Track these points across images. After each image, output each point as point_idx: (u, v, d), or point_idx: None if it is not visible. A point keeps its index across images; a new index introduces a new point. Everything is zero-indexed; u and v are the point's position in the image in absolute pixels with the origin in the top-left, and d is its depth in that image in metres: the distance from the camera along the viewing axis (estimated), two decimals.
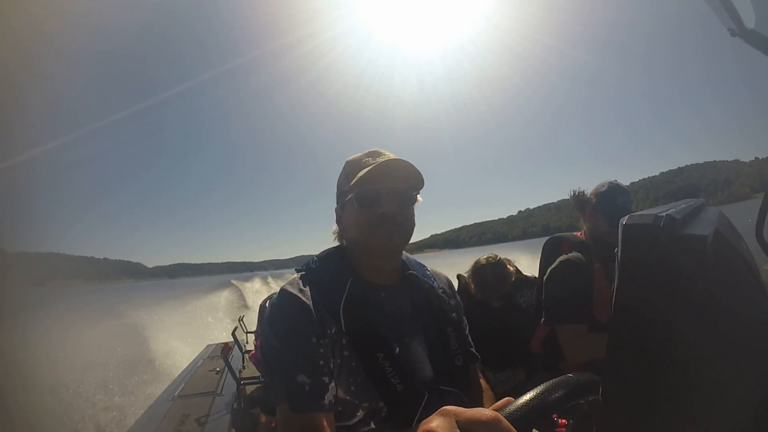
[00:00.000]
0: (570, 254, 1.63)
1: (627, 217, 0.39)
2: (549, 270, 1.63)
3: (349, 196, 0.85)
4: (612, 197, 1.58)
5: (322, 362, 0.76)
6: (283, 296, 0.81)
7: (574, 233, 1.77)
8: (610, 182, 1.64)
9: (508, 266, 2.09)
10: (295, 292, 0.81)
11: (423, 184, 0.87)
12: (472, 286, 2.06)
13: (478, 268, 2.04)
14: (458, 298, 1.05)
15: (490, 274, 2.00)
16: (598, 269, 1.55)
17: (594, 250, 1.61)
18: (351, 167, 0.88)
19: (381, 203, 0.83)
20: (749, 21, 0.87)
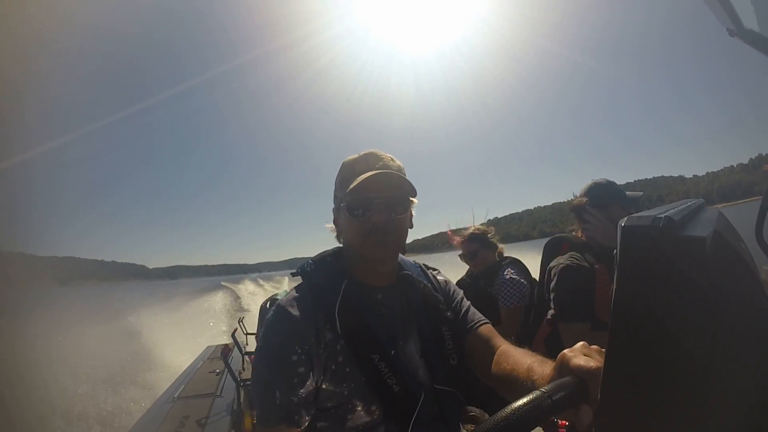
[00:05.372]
0: (569, 254, 1.63)
1: (625, 218, 0.39)
2: (549, 269, 1.63)
3: (343, 203, 0.86)
4: (608, 188, 1.64)
5: (296, 380, 0.75)
6: (274, 314, 0.82)
7: (575, 233, 1.76)
8: (595, 180, 1.69)
9: None
10: (287, 306, 0.81)
11: (415, 192, 0.88)
12: None
13: None
14: (455, 286, 1.05)
15: None
16: (601, 269, 1.55)
17: (596, 251, 1.61)
18: (345, 171, 0.89)
19: (372, 212, 0.83)
20: (748, 21, 0.87)
